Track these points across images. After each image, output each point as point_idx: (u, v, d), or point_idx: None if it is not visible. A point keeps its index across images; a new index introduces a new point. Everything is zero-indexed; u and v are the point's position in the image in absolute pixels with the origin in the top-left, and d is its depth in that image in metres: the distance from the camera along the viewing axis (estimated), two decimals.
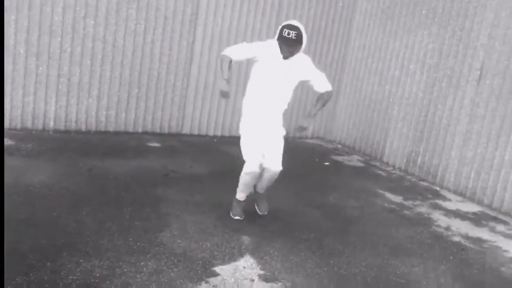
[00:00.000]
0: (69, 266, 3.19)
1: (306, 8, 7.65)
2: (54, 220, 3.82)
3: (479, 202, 5.97)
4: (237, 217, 4.36)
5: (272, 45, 3.98)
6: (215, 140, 7.31)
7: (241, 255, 3.73)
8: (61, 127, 6.30)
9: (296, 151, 7.04)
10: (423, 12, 6.83)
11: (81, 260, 3.28)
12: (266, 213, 4.51)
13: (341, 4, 7.92)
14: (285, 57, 3.95)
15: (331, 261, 3.85)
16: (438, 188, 6.42)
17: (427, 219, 5.22)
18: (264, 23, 7.36)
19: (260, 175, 4.25)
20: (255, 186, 4.45)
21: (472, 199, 6.06)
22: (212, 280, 3.30)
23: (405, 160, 7.04)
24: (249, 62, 4.25)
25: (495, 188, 5.82)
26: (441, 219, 5.25)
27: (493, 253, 4.52)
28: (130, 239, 3.70)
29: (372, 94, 7.65)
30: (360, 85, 7.88)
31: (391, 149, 7.27)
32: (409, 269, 3.93)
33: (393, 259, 4.07)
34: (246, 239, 4.02)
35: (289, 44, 3.85)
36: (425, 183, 6.59)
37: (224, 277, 3.36)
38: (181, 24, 6.73)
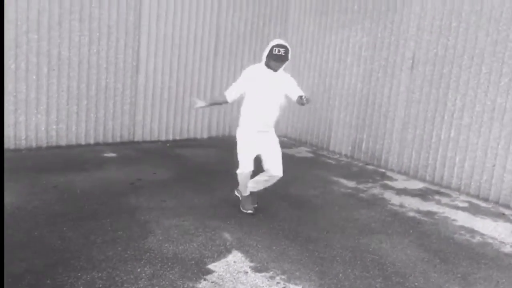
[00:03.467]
0: (69, 281, 3.23)
1: (244, 9, 7.91)
2: (39, 240, 3.80)
3: (422, 179, 6.54)
4: (249, 211, 4.82)
5: (258, 67, 4.56)
6: (168, 144, 7.39)
7: (228, 251, 3.93)
8: (11, 145, 6.12)
9: None
10: (355, 7, 7.31)
11: (79, 274, 3.33)
12: (256, 205, 4.91)
13: (276, 4, 8.26)
14: (275, 70, 4.50)
15: (310, 247, 4.15)
16: (383, 170, 6.95)
17: (382, 199, 5.67)
18: (205, 28, 7.55)
19: (257, 178, 4.81)
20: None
21: (415, 177, 6.63)
22: (210, 277, 3.48)
23: (350, 147, 7.52)
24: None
25: (435, 165, 6.41)
26: (393, 198, 5.73)
27: (444, 223, 5.04)
28: (119, 248, 3.78)
29: (313, 87, 8.06)
30: (301, 79, 8.25)
31: (336, 138, 7.73)
32: (379, 245, 4.31)
33: (362, 238, 4.44)
34: (228, 236, 4.22)
35: (279, 60, 4.44)
36: (371, 167, 7.10)
37: (220, 273, 3.55)
38: (125, 33, 6.75)
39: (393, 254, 4.17)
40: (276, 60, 4.42)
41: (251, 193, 4.94)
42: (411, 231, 4.73)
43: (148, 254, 3.74)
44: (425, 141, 6.50)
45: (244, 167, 4.65)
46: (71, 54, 6.34)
